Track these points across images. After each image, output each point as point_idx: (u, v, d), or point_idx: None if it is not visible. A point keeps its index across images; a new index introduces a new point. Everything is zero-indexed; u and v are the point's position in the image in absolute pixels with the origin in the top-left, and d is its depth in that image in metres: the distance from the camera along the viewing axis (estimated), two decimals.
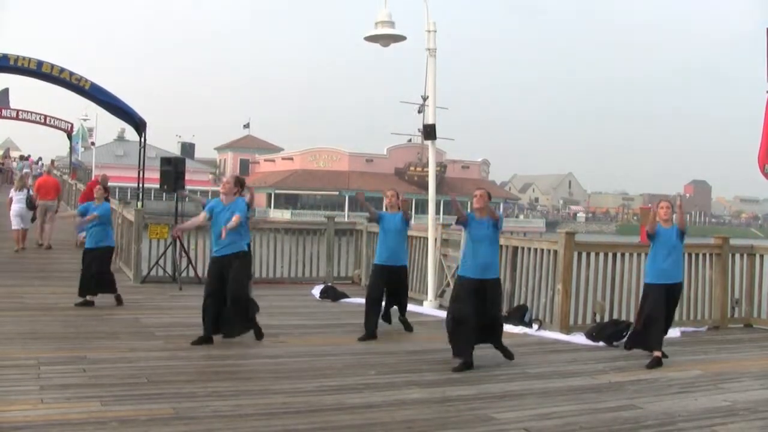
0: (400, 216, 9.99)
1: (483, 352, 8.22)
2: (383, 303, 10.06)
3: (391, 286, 10.01)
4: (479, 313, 8.02)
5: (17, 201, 17.85)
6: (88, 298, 11.14)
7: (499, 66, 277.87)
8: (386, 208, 10.22)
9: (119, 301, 11.45)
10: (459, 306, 8.08)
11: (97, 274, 11.17)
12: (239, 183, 9.16)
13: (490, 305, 8.10)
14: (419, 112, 73.02)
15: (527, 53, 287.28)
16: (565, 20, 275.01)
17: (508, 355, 8.27)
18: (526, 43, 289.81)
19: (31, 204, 18.03)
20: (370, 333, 9.58)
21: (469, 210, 8.45)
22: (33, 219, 18.24)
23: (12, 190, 18.77)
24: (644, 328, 8.84)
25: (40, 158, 44.86)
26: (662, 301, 8.74)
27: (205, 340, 8.70)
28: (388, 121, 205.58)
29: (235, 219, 8.69)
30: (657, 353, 8.59)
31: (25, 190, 18.31)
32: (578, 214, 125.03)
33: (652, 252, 8.94)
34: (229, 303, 8.76)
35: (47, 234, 18.42)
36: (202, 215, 9.17)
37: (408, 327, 10.29)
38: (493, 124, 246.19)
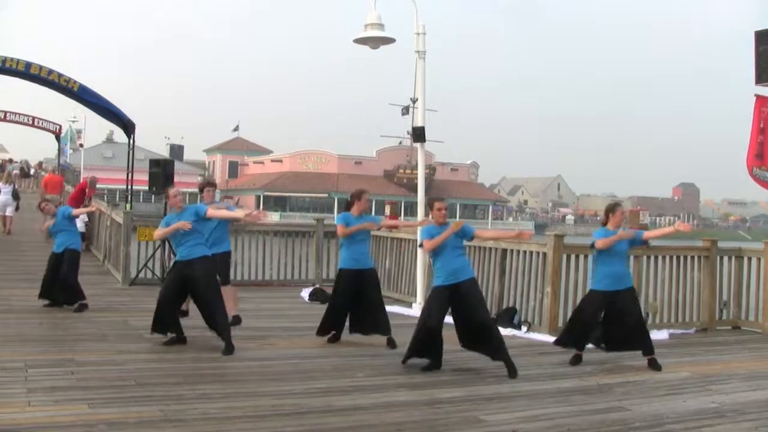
0: (366, 218, 9.41)
1: (471, 354, 8.22)
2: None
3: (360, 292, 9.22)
4: (462, 317, 8.03)
5: (4, 193, 21.40)
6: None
7: (489, 67, 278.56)
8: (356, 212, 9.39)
9: (83, 307, 10.94)
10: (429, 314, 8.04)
11: (61, 279, 10.94)
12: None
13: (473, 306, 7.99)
14: (403, 114, 73.26)
15: (517, 54, 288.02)
16: (556, 20, 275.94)
17: (512, 372, 7.77)
18: (516, 44, 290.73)
19: (16, 195, 21.98)
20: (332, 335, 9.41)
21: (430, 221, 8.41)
22: (17, 209, 22.07)
23: (0, 183, 22.04)
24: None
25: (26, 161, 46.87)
26: (601, 308, 8.59)
27: (178, 339, 8.71)
28: (378, 123, 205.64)
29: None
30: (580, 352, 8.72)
31: (12, 184, 22.36)
32: (567, 217, 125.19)
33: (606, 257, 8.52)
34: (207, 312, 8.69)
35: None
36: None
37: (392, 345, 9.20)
38: (483, 126, 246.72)
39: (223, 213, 9.36)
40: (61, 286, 10.96)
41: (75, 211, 11.50)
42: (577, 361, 8.63)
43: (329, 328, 9.38)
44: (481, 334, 7.99)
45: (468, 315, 7.99)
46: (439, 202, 8.33)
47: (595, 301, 8.63)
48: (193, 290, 8.69)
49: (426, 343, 7.96)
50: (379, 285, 9.57)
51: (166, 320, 8.70)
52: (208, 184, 10.56)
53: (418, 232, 12.72)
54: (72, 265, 11.07)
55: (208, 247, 8.91)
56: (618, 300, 8.48)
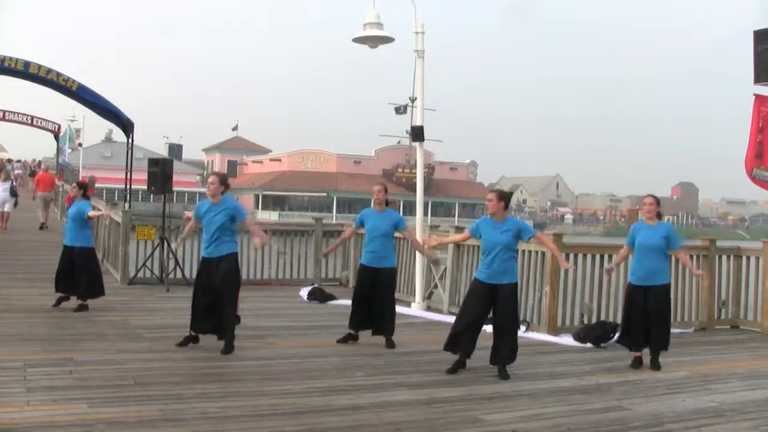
0: (389, 214, 9.35)
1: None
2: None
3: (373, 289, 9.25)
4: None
5: (2, 190, 21.78)
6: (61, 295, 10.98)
7: (488, 66, 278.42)
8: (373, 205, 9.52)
9: (82, 308, 10.89)
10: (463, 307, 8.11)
11: (82, 278, 10.86)
12: (224, 182, 8.94)
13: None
14: (397, 113, 73.35)
15: (517, 54, 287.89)
16: (555, 20, 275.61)
17: (503, 374, 7.75)
18: (515, 43, 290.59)
19: (14, 192, 22.44)
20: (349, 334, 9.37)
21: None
22: (15, 204, 22.71)
23: None
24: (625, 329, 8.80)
25: (19, 160, 49.78)
26: (641, 303, 8.54)
27: (191, 339, 8.62)
28: (377, 123, 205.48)
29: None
30: (637, 354, 8.63)
31: (9, 182, 22.74)
32: (566, 216, 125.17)
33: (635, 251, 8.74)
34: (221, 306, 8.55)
35: (45, 217, 22.89)
36: (192, 222, 9.10)
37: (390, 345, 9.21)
38: (482, 125, 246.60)
39: (254, 227, 9.28)
40: (82, 281, 10.87)
41: (90, 213, 11.20)
42: (636, 364, 8.53)
43: (354, 318, 9.32)
44: (496, 336, 7.92)
45: (494, 317, 7.96)
46: (490, 193, 8.03)
47: (629, 295, 8.65)
48: (215, 283, 8.56)
49: (459, 337, 7.91)
50: (392, 285, 9.48)
51: (198, 317, 8.58)
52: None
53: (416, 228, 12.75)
54: (85, 265, 10.93)
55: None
56: (649, 294, 8.48)
